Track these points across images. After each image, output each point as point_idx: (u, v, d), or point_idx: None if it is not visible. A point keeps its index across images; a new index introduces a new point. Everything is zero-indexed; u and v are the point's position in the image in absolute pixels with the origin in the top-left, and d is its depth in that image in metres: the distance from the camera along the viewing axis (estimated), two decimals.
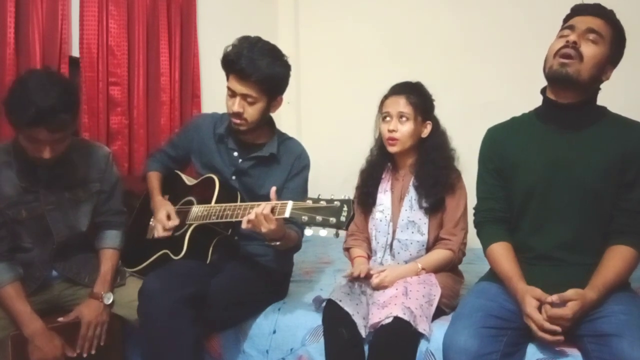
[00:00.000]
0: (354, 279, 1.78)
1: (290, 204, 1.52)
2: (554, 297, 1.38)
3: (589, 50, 1.49)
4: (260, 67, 1.77)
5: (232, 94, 1.83)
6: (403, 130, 1.87)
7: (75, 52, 2.35)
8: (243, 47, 1.80)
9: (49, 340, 1.62)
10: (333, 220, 1.44)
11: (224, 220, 1.70)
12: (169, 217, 1.84)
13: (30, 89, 1.56)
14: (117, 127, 2.50)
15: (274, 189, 1.62)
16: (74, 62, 2.34)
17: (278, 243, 1.66)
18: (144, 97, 2.61)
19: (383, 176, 1.97)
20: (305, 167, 1.98)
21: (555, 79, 1.52)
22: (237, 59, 1.77)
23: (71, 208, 1.80)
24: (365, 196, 1.96)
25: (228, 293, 1.80)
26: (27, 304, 1.64)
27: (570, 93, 1.53)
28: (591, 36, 1.49)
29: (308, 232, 1.49)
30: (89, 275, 1.82)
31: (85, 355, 1.71)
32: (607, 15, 1.53)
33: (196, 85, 2.92)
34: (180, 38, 2.81)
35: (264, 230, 1.56)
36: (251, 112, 1.84)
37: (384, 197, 1.94)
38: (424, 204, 1.86)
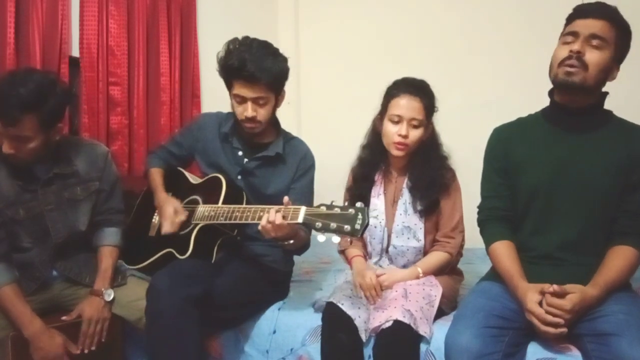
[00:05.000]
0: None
1: (303, 209, 1.51)
2: (555, 287, 1.38)
3: (593, 57, 1.48)
4: (268, 68, 1.77)
5: (242, 100, 1.82)
6: (414, 136, 1.80)
7: (75, 52, 2.34)
8: (242, 50, 1.78)
9: (50, 339, 1.61)
10: (348, 227, 1.43)
11: (232, 221, 1.68)
12: (176, 213, 1.83)
13: (5, 79, 1.55)
14: (117, 127, 2.50)
15: (286, 198, 1.60)
16: (74, 62, 2.34)
17: (289, 242, 1.65)
18: (144, 97, 2.61)
19: (375, 178, 1.93)
20: (311, 167, 1.97)
21: (561, 87, 1.53)
22: (242, 64, 1.75)
23: (70, 207, 1.78)
24: (358, 199, 1.92)
25: (232, 294, 1.79)
26: (26, 304, 1.63)
27: (578, 98, 1.53)
28: (595, 42, 1.48)
29: (321, 238, 1.47)
30: (90, 275, 1.81)
31: (86, 351, 1.70)
32: (610, 16, 1.50)
33: (196, 85, 2.92)
34: (180, 38, 2.81)
35: (273, 235, 1.57)
36: (264, 113, 1.84)
37: (377, 202, 1.89)
38: (419, 207, 1.83)
